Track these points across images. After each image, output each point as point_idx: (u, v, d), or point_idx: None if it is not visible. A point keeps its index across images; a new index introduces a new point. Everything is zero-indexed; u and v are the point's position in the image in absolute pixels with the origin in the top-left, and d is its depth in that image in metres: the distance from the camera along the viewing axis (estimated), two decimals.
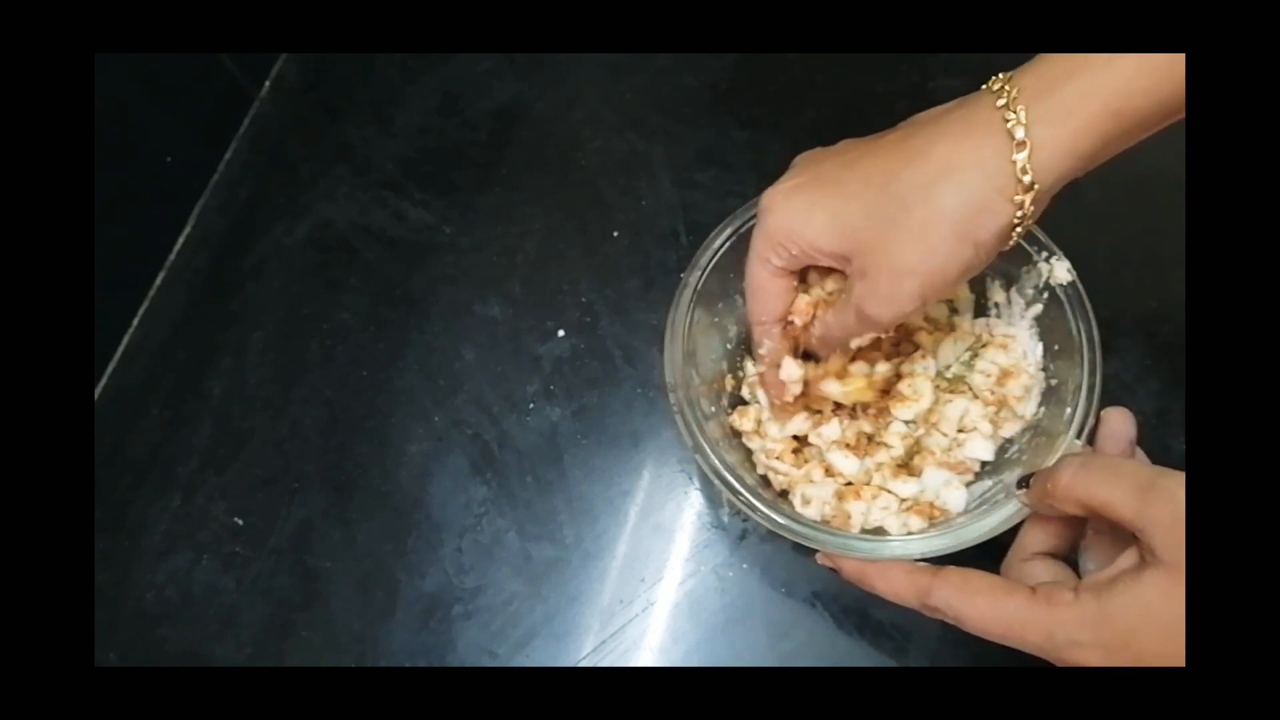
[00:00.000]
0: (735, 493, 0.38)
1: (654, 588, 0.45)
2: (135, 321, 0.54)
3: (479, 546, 0.46)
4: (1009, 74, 0.32)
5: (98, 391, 0.53)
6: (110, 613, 0.47)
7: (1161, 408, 0.45)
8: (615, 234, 0.54)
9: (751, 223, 0.39)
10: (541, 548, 0.46)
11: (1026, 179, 0.31)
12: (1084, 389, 0.37)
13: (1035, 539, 0.35)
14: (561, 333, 0.51)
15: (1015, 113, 0.31)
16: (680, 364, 0.40)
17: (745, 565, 0.45)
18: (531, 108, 0.58)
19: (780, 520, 0.37)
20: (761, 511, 0.37)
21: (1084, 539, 0.34)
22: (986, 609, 0.31)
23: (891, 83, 0.56)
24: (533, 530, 0.46)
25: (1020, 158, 0.30)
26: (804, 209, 0.35)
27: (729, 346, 0.46)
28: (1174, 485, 0.29)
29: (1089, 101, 0.30)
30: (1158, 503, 0.29)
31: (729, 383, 0.45)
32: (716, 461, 0.38)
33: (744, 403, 0.45)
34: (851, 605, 0.43)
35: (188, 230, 0.57)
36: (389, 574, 0.46)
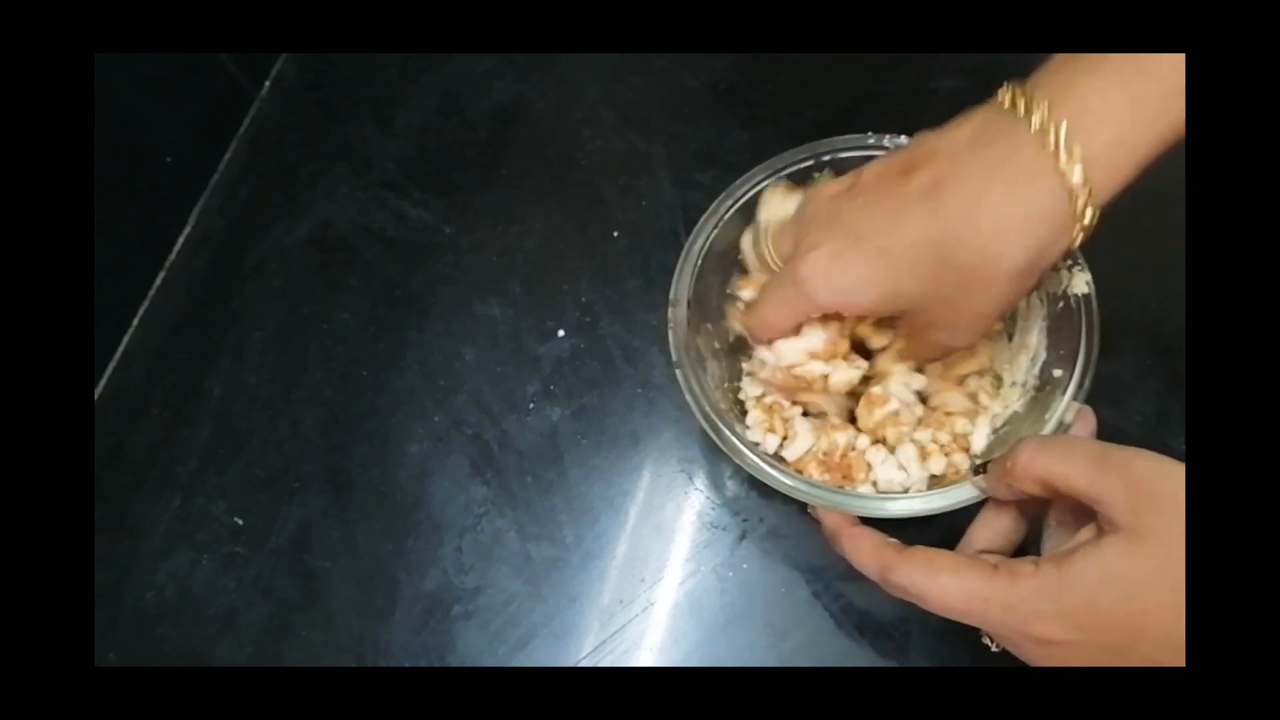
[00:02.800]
0: (705, 415, 0.38)
1: (654, 588, 0.45)
2: (135, 321, 0.54)
3: (479, 546, 0.46)
4: (1023, 84, 0.32)
5: (98, 391, 0.53)
6: (110, 613, 0.47)
7: (1161, 408, 0.45)
8: (615, 234, 0.54)
9: (798, 166, 0.42)
10: (541, 548, 0.46)
11: (1087, 217, 0.31)
12: (1072, 386, 0.38)
13: (981, 537, 0.36)
14: (561, 333, 0.51)
15: (1061, 145, 0.30)
16: (689, 283, 0.40)
17: (745, 565, 0.45)
18: (531, 108, 0.58)
19: (747, 452, 0.38)
20: (730, 442, 0.38)
21: (1045, 527, 0.35)
22: (950, 585, 0.32)
23: (891, 83, 0.56)
24: (533, 530, 0.46)
25: (1080, 200, 0.31)
26: (854, 284, 0.34)
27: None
28: (1128, 456, 0.30)
29: (1139, 111, 0.30)
30: (1111, 471, 0.29)
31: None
32: (695, 383, 0.39)
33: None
34: (851, 605, 0.43)
35: (188, 230, 0.57)
36: (389, 574, 0.46)
